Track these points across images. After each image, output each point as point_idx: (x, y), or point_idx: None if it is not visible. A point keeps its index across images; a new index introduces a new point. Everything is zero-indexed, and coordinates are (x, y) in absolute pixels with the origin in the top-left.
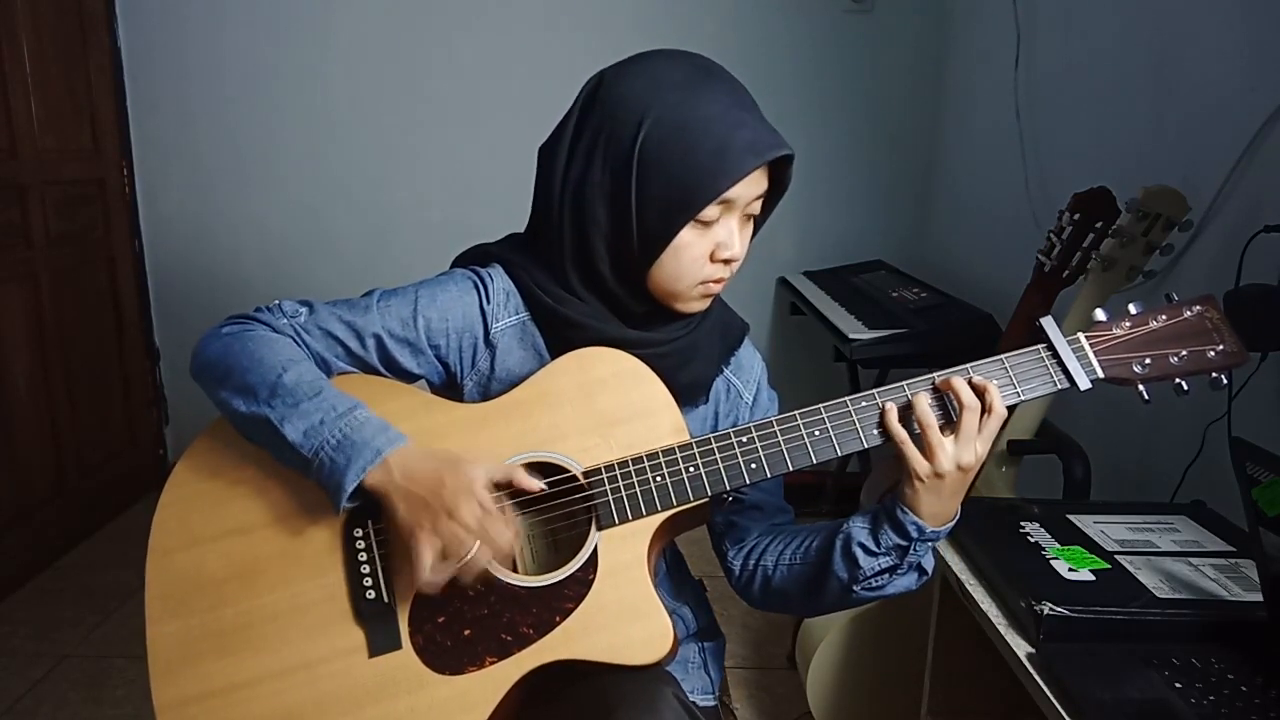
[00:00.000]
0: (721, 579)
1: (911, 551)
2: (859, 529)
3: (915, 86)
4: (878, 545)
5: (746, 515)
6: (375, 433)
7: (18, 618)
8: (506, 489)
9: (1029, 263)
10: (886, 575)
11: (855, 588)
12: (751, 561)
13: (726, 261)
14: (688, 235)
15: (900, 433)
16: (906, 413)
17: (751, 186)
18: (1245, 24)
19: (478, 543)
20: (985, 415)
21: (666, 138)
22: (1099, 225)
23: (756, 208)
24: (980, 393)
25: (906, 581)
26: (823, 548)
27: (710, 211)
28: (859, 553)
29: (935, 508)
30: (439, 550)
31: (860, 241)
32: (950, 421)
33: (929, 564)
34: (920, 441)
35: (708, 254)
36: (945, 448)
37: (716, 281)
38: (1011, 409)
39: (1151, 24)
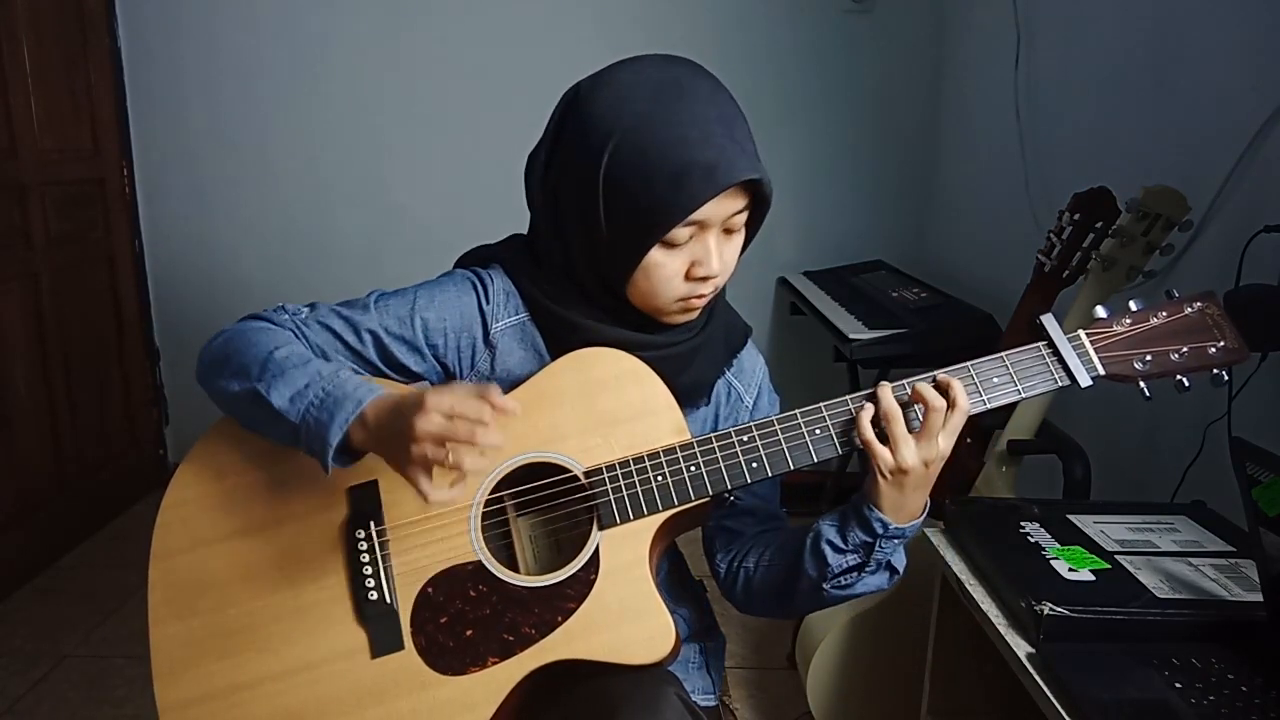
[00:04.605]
0: None
1: (878, 548)
2: (828, 526)
3: (915, 86)
4: (845, 543)
5: (739, 520)
6: (356, 386)
7: (18, 618)
8: (506, 487)
9: (1029, 263)
10: (855, 573)
11: (825, 586)
12: (736, 563)
13: (704, 279)
14: (658, 255)
15: (867, 430)
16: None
17: (723, 206)
18: (1246, 24)
19: (446, 451)
20: (950, 411)
21: (627, 162)
22: (1099, 225)
23: (738, 222)
24: (944, 390)
25: (877, 580)
26: (795, 547)
27: (678, 234)
28: (827, 550)
29: (899, 503)
30: (425, 472)
31: (860, 241)
32: (918, 419)
33: (900, 562)
34: (885, 437)
35: (682, 272)
36: (909, 443)
37: (698, 297)
38: (1012, 407)
39: (1151, 24)
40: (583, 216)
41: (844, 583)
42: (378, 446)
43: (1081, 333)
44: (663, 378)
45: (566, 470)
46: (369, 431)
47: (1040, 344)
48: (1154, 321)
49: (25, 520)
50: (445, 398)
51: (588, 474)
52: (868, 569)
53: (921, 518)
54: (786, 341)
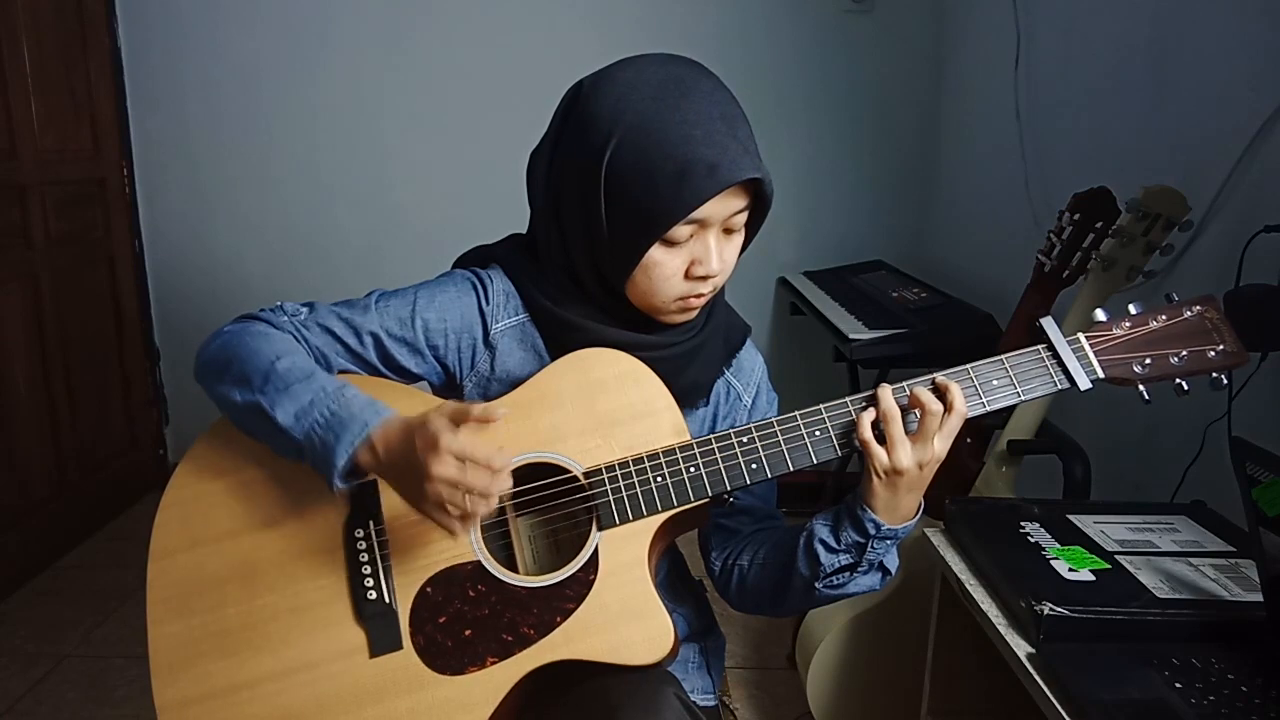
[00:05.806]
0: None
1: (870, 549)
2: (821, 526)
3: (915, 86)
4: (838, 542)
5: (735, 518)
6: (363, 407)
7: (18, 618)
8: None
9: (1029, 263)
10: (847, 573)
11: (817, 585)
12: (730, 561)
13: (704, 278)
14: (658, 254)
15: (866, 431)
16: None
17: (725, 205)
18: (1246, 23)
19: (465, 495)
20: (947, 414)
21: (629, 160)
22: (1099, 225)
23: (738, 222)
24: (942, 393)
25: (869, 581)
26: (789, 545)
27: (679, 232)
28: (820, 549)
29: (893, 504)
30: (443, 511)
31: (860, 241)
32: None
33: (892, 563)
34: (882, 437)
35: (682, 271)
36: (905, 444)
37: (697, 297)
38: (1011, 409)
39: (1151, 24)
40: (584, 214)
41: (836, 582)
42: (387, 474)
43: (1081, 335)
44: (662, 378)
45: (566, 471)
46: (377, 457)
47: (1040, 347)
48: (1153, 325)
49: (25, 520)
50: (459, 439)
51: (587, 474)
52: (860, 569)
53: (915, 519)
54: (786, 341)
